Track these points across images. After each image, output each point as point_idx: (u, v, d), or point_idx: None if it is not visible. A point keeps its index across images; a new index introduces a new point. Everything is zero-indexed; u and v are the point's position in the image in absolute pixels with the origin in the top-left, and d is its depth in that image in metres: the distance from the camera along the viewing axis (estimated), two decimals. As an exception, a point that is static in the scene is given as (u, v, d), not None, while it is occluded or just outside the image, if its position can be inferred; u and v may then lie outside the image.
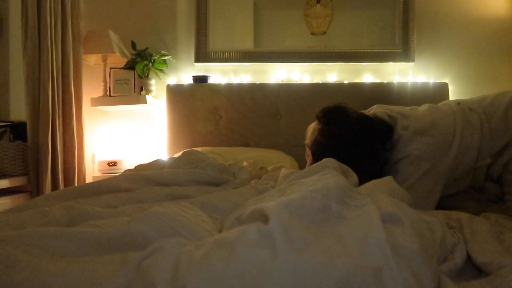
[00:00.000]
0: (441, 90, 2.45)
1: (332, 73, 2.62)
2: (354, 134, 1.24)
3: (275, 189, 0.90)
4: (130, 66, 2.47)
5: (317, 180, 0.69)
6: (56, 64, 2.19)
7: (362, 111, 1.36)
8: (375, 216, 0.52)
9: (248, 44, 2.71)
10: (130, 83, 2.51)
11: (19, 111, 2.38)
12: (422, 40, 2.62)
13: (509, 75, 2.61)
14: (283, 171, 1.22)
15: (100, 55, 2.49)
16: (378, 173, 1.22)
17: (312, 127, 1.37)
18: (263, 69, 2.66)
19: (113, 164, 2.40)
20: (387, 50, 2.60)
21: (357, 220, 0.53)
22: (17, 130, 2.18)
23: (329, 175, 0.72)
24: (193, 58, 2.64)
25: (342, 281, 0.41)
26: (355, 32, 2.71)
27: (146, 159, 2.12)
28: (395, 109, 1.34)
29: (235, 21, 2.81)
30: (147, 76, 2.51)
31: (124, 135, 2.64)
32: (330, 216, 0.55)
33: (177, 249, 0.45)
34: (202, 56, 2.64)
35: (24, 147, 2.11)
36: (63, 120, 2.25)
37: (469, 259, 0.66)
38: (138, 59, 2.46)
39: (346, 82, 2.57)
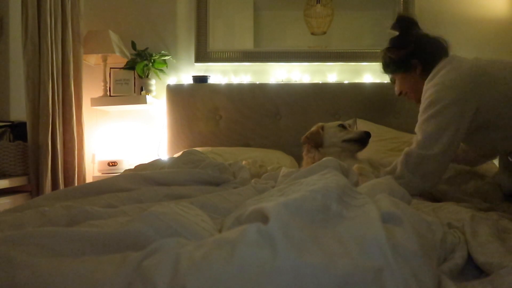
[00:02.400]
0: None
1: (332, 73, 2.62)
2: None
3: (275, 188, 0.90)
4: (130, 66, 2.47)
5: (317, 180, 0.69)
6: (56, 64, 2.19)
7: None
8: (375, 216, 0.52)
9: (248, 44, 2.71)
10: (130, 83, 2.51)
11: (19, 111, 2.38)
12: (422, 40, 2.61)
13: (509, 75, 2.61)
14: (283, 170, 1.22)
15: (100, 55, 2.49)
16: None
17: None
18: (263, 69, 2.66)
19: (113, 164, 2.40)
20: (387, 50, 2.60)
21: (357, 220, 0.53)
22: (17, 130, 2.18)
23: (329, 174, 0.72)
24: (193, 58, 2.64)
25: (342, 281, 0.41)
26: (355, 32, 2.71)
27: (146, 159, 2.12)
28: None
29: (235, 21, 2.81)
30: (147, 76, 2.51)
31: (124, 135, 2.64)
32: (330, 216, 0.55)
33: (177, 249, 0.45)
34: (202, 56, 2.64)
35: (24, 147, 2.11)
36: (63, 120, 2.25)
37: (470, 259, 0.66)
38: (138, 59, 2.46)
39: (346, 82, 2.57)
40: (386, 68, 1.57)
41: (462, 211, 0.94)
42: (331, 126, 1.73)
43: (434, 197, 1.34)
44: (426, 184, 1.28)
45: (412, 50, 1.48)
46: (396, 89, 1.57)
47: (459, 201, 1.20)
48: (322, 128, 1.73)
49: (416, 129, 1.34)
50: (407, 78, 1.51)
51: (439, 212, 0.96)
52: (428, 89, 1.34)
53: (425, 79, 1.41)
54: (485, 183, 1.40)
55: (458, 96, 1.25)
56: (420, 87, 1.45)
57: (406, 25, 1.55)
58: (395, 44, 1.53)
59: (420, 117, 1.33)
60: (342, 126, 1.70)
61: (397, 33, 1.54)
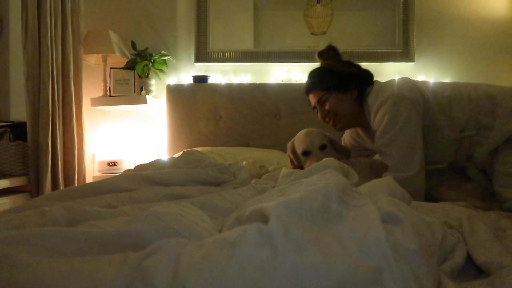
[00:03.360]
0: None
1: (332, 73, 2.61)
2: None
3: (275, 189, 0.90)
4: (130, 66, 2.47)
5: (317, 180, 0.69)
6: (56, 64, 2.19)
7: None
8: (375, 216, 0.52)
9: (248, 44, 2.71)
10: (130, 83, 2.51)
11: (19, 111, 2.38)
12: (422, 40, 2.62)
13: (509, 75, 2.61)
14: (283, 171, 1.22)
15: (100, 55, 2.49)
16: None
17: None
18: (263, 69, 2.66)
19: (113, 164, 2.40)
20: (387, 50, 2.60)
21: (357, 220, 0.53)
22: (17, 130, 2.18)
23: (329, 175, 0.72)
24: (193, 58, 2.64)
25: (342, 281, 0.41)
26: (355, 32, 2.71)
27: (146, 159, 2.12)
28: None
29: (235, 21, 2.81)
30: (147, 76, 2.51)
31: (124, 135, 2.64)
32: (330, 216, 0.55)
33: (177, 249, 0.45)
34: (202, 56, 2.64)
35: (24, 147, 2.11)
36: (63, 120, 2.25)
37: (469, 259, 0.66)
38: (138, 59, 2.46)
39: (346, 82, 2.57)
40: (323, 83, 1.47)
41: (459, 210, 0.94)
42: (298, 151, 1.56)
43: (433, 197, 1.35)
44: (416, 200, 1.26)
45: (355, 72, 1.48)
46: (327, 108, 1.46)
47: (457, 201, 1.21)
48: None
49: (385, 149, 1.32)
50: (343, 99, 1.45)
51: (436, 212, 0.96)
52: (380, 106, 1.33)
53: (358, 106, 1.44)
54: (483, 183, 1.41)
55: (411, 101, 1.30)
56: (354, 113, 1.46)
57: (336, 53, 1.56)
58: (338, 60, 1.53)
59: (385, 136, 1.31)
60: (306, 154, 1.48)
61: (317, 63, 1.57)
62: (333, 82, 1.47)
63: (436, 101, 1.33)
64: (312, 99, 1.52)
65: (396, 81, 1.41)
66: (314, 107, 1.53)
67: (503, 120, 1.28)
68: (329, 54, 1.57)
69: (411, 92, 1.32)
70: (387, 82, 1.44)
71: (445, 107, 1.32)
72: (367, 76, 1.50)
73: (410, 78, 1.45)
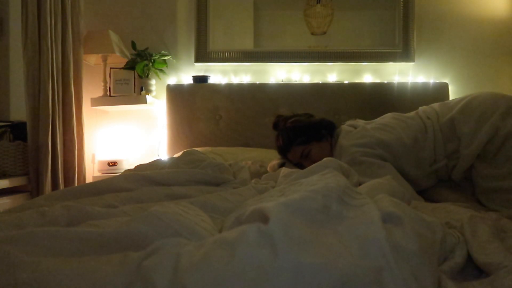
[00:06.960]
0: (441, 90, 2.45)
1: (332, 73, 2.62)
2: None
3: (275, 189, 0.90)
4: (130, 66, 2.47)
5: (317, 180, 0.69)
6: (56, 64, 2.19)
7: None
8: (375, 216, 0.52)
9: (248, 44, 2.71)
10: (130, 83, 2.51)
11: (19, 111, 2.38)
12: (422, 40, 2.62)
13: (509, 75, 2.61)
14: (283, 171, 1.22)
15: (100, 55, 2.49)
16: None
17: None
18: (263, 69, 2.66)
19: (113, 164, 2.40)
20: (387, 50, 2.60)
21: (357, 220, 0.53)
22: (17, 130, 2.18)
23: (329, 175, 0.72)
24: (193, 58, 2.64)
25: (342, 281, 0.41)
26: (355, 32, 2.71)
27: (146, 159, 2.12)
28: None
29: (235, 21, 2.80)
30: (147, 76, 2.51)
31: (124, 135, 2.63)
32: (330, 216, 0.55)
33: (177, 249, 0.45)
34: (202, 56, 2.64)
35: (24, 147, 2.11)
36: (63, 120, 2.25)
37: (470, 259, 0.66)
38: (138, 59, 2.46)
39: (346, 82, 2.57)
40: (300, 137, 1.52)
41: (460, 211, 0.94)
42: None
43: (433, 199, 1.35)
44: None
45: (318, 120, 1.57)
46: (313, 159, 1.45)
47: (459, 202, 1.21)
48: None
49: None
50: (324, 147, 1.51)
51: (437, 212, 0.96)
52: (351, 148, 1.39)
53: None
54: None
55: (369, 153, 1.37)
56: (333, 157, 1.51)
57: (287, 117, 1.64)
58: (295, 115, 1.61)
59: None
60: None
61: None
62: (309, 134, 1.52)
63: (401, 142, 1.36)
64: (294, 156, 1.55)
65: (356, 137, 1.44)
66: (297, 164, 1.55)
67: (465, 142, 1.30)
68: (282, 122, 1.63)
69: (368, 147, 1.37)
70: (348, 135, 1.47)
71: (410, 148, 1.35)
72: (329, 121, 1.58)
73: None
